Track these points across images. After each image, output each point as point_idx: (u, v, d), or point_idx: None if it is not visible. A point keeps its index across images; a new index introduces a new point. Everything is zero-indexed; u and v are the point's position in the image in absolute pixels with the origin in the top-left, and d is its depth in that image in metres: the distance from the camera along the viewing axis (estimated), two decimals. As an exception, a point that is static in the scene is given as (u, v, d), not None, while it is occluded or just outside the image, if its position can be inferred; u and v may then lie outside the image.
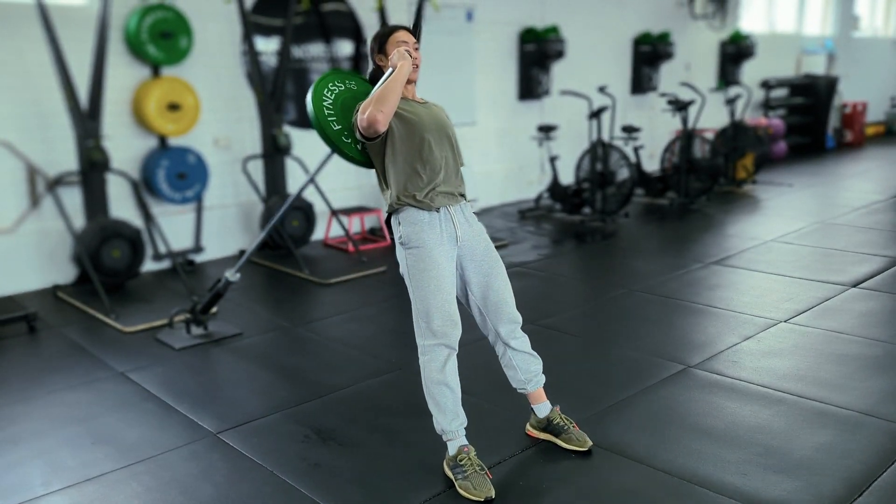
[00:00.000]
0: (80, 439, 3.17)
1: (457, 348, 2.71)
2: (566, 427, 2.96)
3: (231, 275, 4.18)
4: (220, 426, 3.24)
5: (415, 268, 2.69)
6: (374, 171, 2.85)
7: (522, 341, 2.92)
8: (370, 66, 2.96)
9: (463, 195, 2.80)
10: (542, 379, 2.99)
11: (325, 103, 2.80)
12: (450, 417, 2.72)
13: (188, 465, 2.94)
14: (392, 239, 2.84)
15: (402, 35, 2.83)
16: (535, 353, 2.95)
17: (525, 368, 2.93)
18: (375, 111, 2.55)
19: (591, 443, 2.94)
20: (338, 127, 2.80)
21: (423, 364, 2.73)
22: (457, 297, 2.79)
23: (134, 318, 4.60)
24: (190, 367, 3.95)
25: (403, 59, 2.68)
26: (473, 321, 2.93)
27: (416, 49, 2.80)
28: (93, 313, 4.74)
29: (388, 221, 2.85)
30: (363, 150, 2.81)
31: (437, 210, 2.70)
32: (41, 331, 4.50)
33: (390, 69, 2.70)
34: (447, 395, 2.71)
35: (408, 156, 2.69)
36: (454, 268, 2.74)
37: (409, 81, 2.78)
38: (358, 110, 2.68)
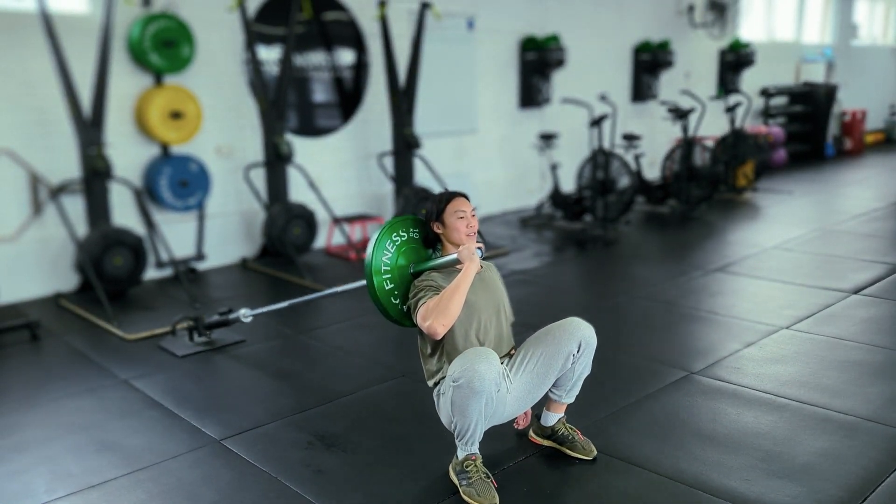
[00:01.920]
0: (83, 446, 3.17)
1: (492, 381, 2.54)
2: (571, 436, 2.96)
3: (244, 315, 4.13)
4: (223, 433, 3.24)
5: (447, 392, 2.65)
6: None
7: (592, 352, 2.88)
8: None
9: (508, 355, 2.86)
10: (576, 394, 2.97)
11: (384, 258, 2.79)
12: (471, 431, 2.65)
13: (192, 471, 2.95)
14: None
15: (463, 204, 2.83)
16: (590, 366, 2.91)
17: (577, 377, 2.88)
18: (438, 325, 2.59)
19: (596, 452, 2.93)
20: (389, 286, 2.80)
21: (455, 388, 2.56)
22: (546, 389, 2.85)
23: (136, 326, 4.60)
24: (193, 374, 3.96)
25: (471, 260, 2.70)
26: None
27: (474, 216, 2.84)
28: (95, 321, 4.75)
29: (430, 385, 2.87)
30: (408, 311, 2.82)
31: None
32: (44, 338, 4.51)
33: (453, 256, 2.74)
34: (475, 412, 2.59)
35: (461, 336, 2.73)
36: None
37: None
38: (418, 295, 2.71)
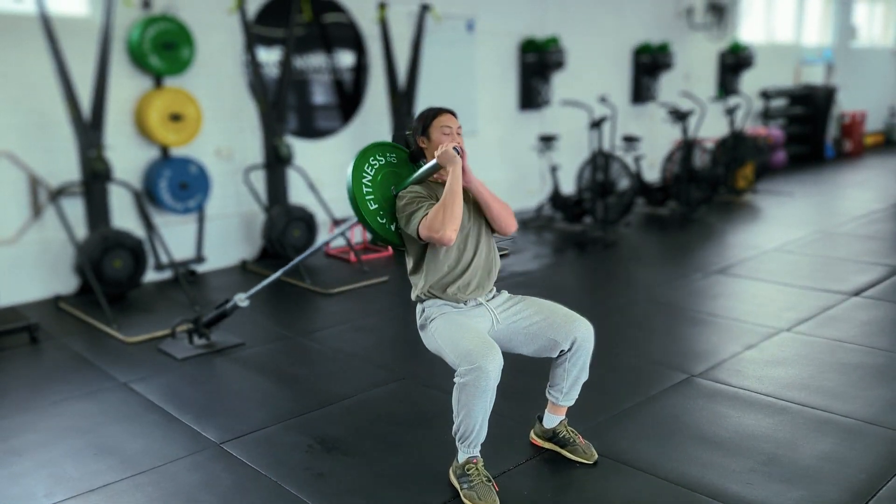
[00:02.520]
0: (83, 450, 3.16)
1: (497, 377, 2.52)
2: (572, 439, 2.95)
3: (241, 300, 4.15)
4: (223, 436, 3.24)
5: (439, 328, 2.68)
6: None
7: (590, 352, 2.85)
8: (409, 143, 2.93)
9: (494, 285, 2.86)
10: (576, 397, 2.94)
11: (364, 180, 2.78)
12: (473, 434, 2.63)
13: (191, 475, 2.94)
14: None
15: (448, 119, 2.83)
16: (587, 369, 2.88)
17: (574, 380, 2.86)
18: (449, 231, 2.56)
19: (597, 455, 2.92)
20: (374, 206, 2.79)
21: (459, 385, 2.56)
22: (520, 351, 2.82)
23: (136, 329, 4.60)
24: (192, 377, 3.95)
25: (453, 162, 2.67)
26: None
27: (459, 134, 2.83)
28: (95, 324, 4.74)
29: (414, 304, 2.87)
30: (397, 230, 2.81)
31: (465, 303, 2.76)
32: (43, 341, 4.50)
33: (434, 162, 2.71)
34: (478, 414, 2.58)
35: (443, 249, 2.72)
36: (487, 330, 2.74)
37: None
38: (407, 209, 2.68)
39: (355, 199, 2.75)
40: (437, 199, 2.69)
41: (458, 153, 2.70)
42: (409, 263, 2.85)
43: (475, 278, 2.78)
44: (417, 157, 2.90)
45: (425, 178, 2.81)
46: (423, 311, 2.80)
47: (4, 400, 3.68)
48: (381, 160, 2.88)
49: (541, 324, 2.78)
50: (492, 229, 2.88)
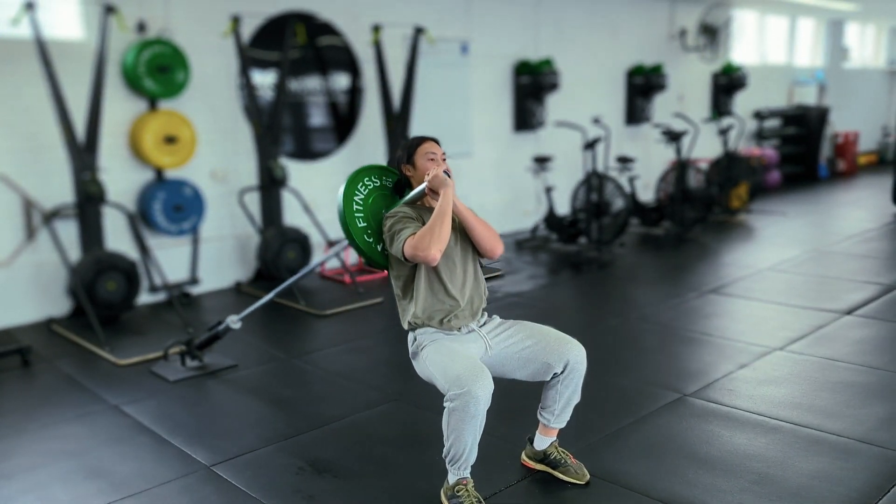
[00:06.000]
0: (73, 473, 3.14)
1: (487, 402, 2.52)
2: (563, 460, 2.94)
3: (233, 322, 4.15)
4: (213, 459, 3.22)
5: (432, 355, 2.68)
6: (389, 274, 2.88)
7: (582, 375, 2.84)
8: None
9: (485, 310, 2.86)
10: (567, 420, 2.94)
11: (356, 198, 2.82)
12: (463, 456, 2.63)
13: (181, 498, 2.92)
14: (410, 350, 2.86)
15: (432, 147, 2.86)
16: (580, 392, 2.88)
17: (566, 403, 2.85)
18: (434, 250, 2.57)
19: (588, 476, 2.91)
20: (362, 224, 2.82)
21: (449, 409, 2.55)
22: (513, 376, 2.82)
23: (129, 351, 4.59)
24: (184, 399, 3.94)
25: (445, 185, 2.69)
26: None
27: (444, 160, 2.85)
28: (87, 346, 4.73)
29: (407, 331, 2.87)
30: (383, 251, 2.83)
31: (459, 329, 2.76)
32: (35, 364, 4.49)
33: (423, 187, 2.73)
34: (467, 437, 2.57)
35: (434, 273, 2.74)
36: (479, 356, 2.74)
37: (434, 192, 2.74)
38: (393, 228, 2.70)
39: (344, 215, 2.77)
40: (424, 223, 2.70)
41: (448, 177, 2.72)
42: (397, 289, 2.84)
43: (466, 305, 2.78)
44: (403, 185, 2.92)
45: (413, 203, 2.83)
46: (416, 339, 2.79)
47: (-5, 423, 3.67)
48: (376, 182, 2.90)
49: (533, 348, 2.79)
50: (479, 254, 2.87)
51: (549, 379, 2.83)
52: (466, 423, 2.53)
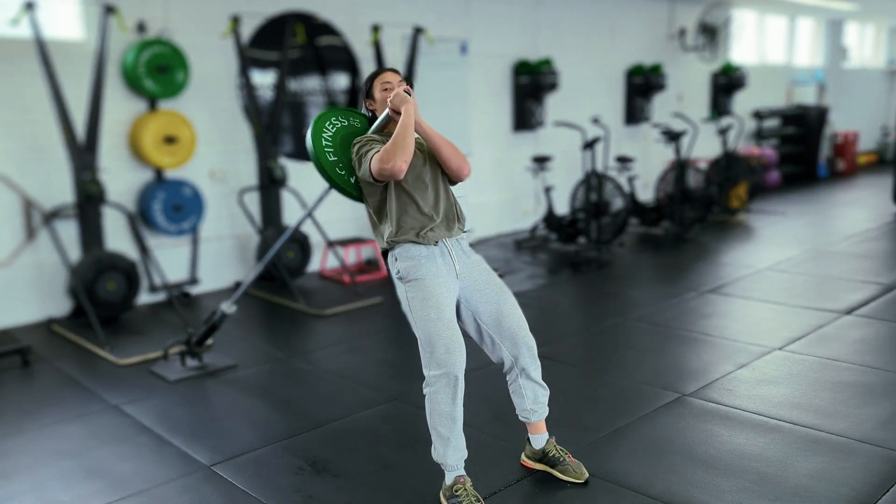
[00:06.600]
0: (73, 473, 3.15)
1: (462, 377, 2.65)
2: (562, 458, 2.95)
3: (227, 307, 4.18)
4: (213, 459, 3.22)
5: (415, 299, 2.70)
6: (364, 204, 2.89)
7: (538, 372, 2.88)
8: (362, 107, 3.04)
9: (460, 228, 2.84)
10: (547, 411, 2.96)
11: (324, 135, 2.88)
12: (451, 450, 2.69)
13: (181, 498, 2.93)
14: (389, 273, 2.86)
15: (387, 76, 2.89)
16: (544, 385, 2.92)
17: (533, 398, 2.89)
18: (399, 161, 2.59)
19: (587, 474, 2.92)
20: (333, 158, 2.87)
21: (429, 395, 2.68)
22: (465, 329, 2.80)
23: (128, 351, 4.59)
24: (184, 399, 3.94)
25: (405, 102, 2.72)
26: (477, 349, 2.92)
27: (401, 84, 2.86)
28: (87, 346, 4.74)
29: (384, 255, 2.87)
30: (356, 183, 2.85)
31: (435, 244, 2.74)
32: (35, 364, 4.49)
33: (386, 112, 2.76)
34: (451, 427, 2.67)
35: (405, 193, 2.73)
36: (454, 300, 2.75)
37: (397, 113, 2.77)
38: (360, 152, 2.73)
39: (315, 150, 2.83)
40: None
41: (409, 95, 2.75)
42: (373, 216, 2.85)
43: (441, 221, 2.77)
44: (372, 122, 2.95)
45: (381, 131, 2.88)
46: (396, 259, 2.77)
47: (-5, 423, 3.67)
48: (343, 122, 2.97)
49: (491, 324, 2.80)
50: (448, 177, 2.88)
51: (503, 369, 2.89)
52: (445, 407, 2.63)
